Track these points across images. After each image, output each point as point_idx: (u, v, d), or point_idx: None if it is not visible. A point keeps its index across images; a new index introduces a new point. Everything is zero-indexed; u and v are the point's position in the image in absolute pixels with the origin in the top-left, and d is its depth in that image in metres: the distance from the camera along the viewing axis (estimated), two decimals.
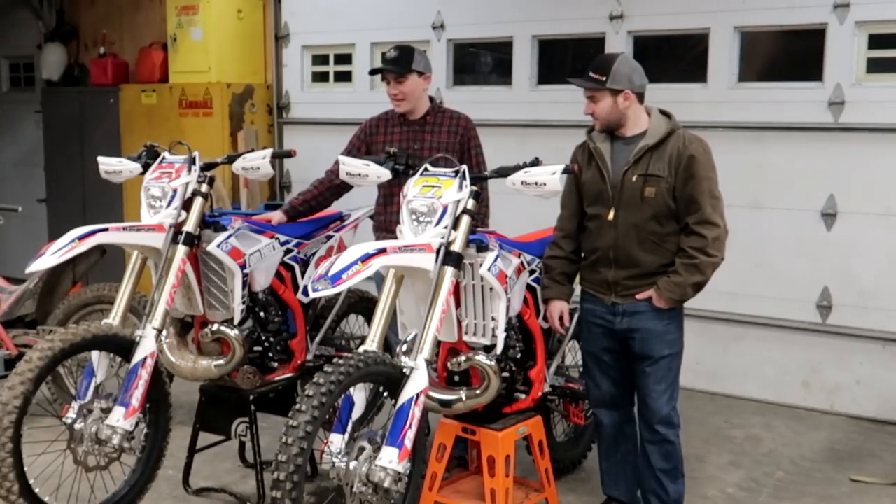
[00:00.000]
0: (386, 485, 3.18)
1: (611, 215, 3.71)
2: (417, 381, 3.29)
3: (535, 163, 3.63)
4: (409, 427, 3.22)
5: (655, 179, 3.64)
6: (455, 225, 3.48)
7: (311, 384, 3.13)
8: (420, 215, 3.51)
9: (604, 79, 3.65)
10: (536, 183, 3.53)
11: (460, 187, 3.53)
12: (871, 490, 4.60)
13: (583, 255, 3.92)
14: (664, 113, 3.77)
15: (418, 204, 3.52)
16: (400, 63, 4.42)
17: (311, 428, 3.05)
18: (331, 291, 3.22)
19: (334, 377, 3.13)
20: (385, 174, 3.78)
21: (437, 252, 3.42)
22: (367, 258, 3.23)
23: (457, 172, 3.58)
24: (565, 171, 3.55)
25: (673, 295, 3.65)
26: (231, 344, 4.06)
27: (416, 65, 4.42)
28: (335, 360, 3.24)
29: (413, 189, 3.59)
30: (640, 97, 3.73)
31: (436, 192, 3.53)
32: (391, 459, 3.19)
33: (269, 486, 3.07)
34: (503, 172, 3.65)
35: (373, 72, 4.81)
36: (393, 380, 3.32)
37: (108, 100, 8.00)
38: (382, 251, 3.28)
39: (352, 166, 3.84)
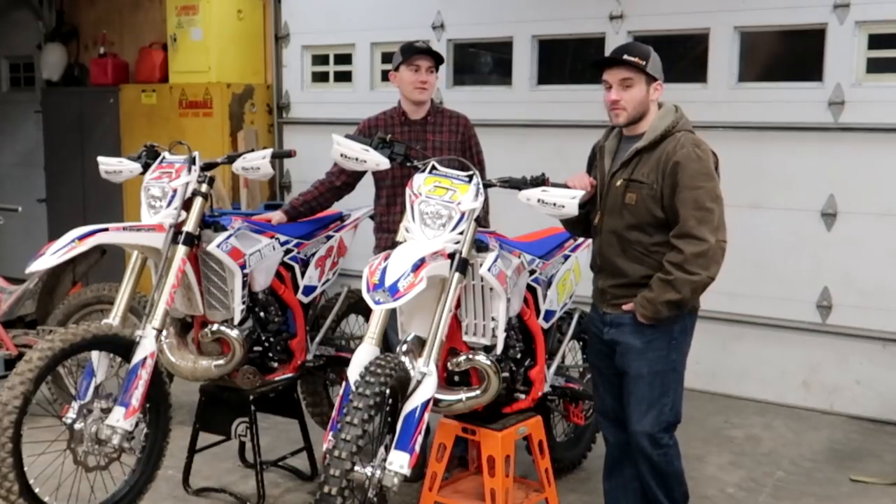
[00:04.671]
0: (395, 489, 3.16)
1: (596, 220, 3.57)
2: (428, 387, 3.28)
3: (542, 178, 3.56)
4: (419, 432, 3.20)
5: (638, 185, 3.41)
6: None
7: (356, 395, 3.05)
8: (435, 217, 3.47)
9: (644, 63, 3.38)
10: (555, 204, 3.47)
11: (476, 195, 3.52)
12: (871, 490, 4.60)
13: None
14: (676, 110, 3.52)
15: (433, 206, 3.48)
16: (436, 55, 4.45)
17: (362, 442, 3.00)
18: (392, 305, 3.15)
19: (377, 388, 3.06)
20: (384, 162, 3.71)
21: (452, 258, 3.41)
22: (416, 268, 3.18)
23: (470, 177, 3.56)
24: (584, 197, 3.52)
25: (645, 311, 3.39)
26: (231, 344, 4.06)
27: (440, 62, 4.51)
28: (370, 367, 3.15)
29: (424, 187, 3.54)
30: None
31: (452, 196, 3.49)
32: (402, 464, 3.16)
33: (315, 499, 2.99)
34: (514, 184, 3.60)
35: (415, 50, 4.41)
36: (403, 384, 3.30)
37: (108, 100, 8.00)
38: (423, 261, 3.23)
39: (349, 149, 3.71)
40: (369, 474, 3.12)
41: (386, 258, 3.23)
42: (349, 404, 3.05)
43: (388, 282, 3.13)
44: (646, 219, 3.42)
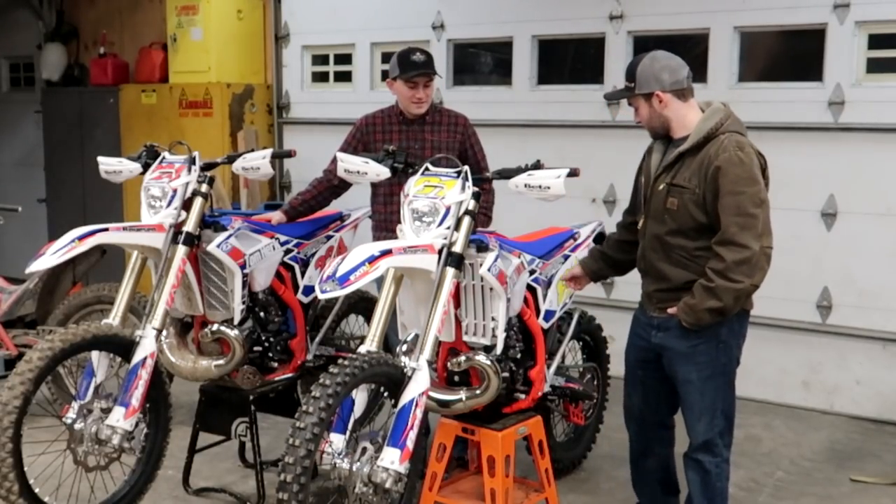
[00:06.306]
0: (388, 485, 3.18)
1: (640, 224, 3.56)
2: (419, 382, 3.29)
3: (538, 165, 3.58)
4: (412, 428, 3.22)
5: (679, 190, 3.35)
6: (456, 226, 3.48)
7: (317, 385, 3.11)
8: (422, 215, 3.50)
9: (632, 85, 3.43)
10: (540, 186, 3.47)
11: (463, 188, 3.53)
12: (871, 490, 4.60)
13: None
14: (724, 109, 3.47)
15: (420, 203, 3.52)
16: (431, 67, 4.43)
17: (318, 430, 3.04)
18: (339, 293, 3.18)
19: (340, 378, 3.12)
20: (384, 172, 3.76)
21: (440, 253, 3.42)
22: (374, 259, 3.21)
23: (459, 173, 3.58)
24: (570, 174, 3.47)
25: (687, 318, 3.36)
26: (231, 344, 4.06)
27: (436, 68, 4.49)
28: (340, 360, 3.22)
29: (414, 188, 3.58)
30: (681, 94, 3.44)
31: (438, 192, 3.52)
32: (393, 460, 3.19)
33: (275, 487, 3.06)
34: (506, 174, 3.62)
35: (411, 67, 4.36)
36: (394, 380, 3.32)
37: (108, 100, 8.00)
38: (388, 252, 3.27)
39: (350, 164, 3.81)
40: (353, 470, 3.18)
41: (344, 257, 3.26)
42: (308, 395, 3.11)
43: (340, 273, 3.16)
44: (688, 224, 3.37)
